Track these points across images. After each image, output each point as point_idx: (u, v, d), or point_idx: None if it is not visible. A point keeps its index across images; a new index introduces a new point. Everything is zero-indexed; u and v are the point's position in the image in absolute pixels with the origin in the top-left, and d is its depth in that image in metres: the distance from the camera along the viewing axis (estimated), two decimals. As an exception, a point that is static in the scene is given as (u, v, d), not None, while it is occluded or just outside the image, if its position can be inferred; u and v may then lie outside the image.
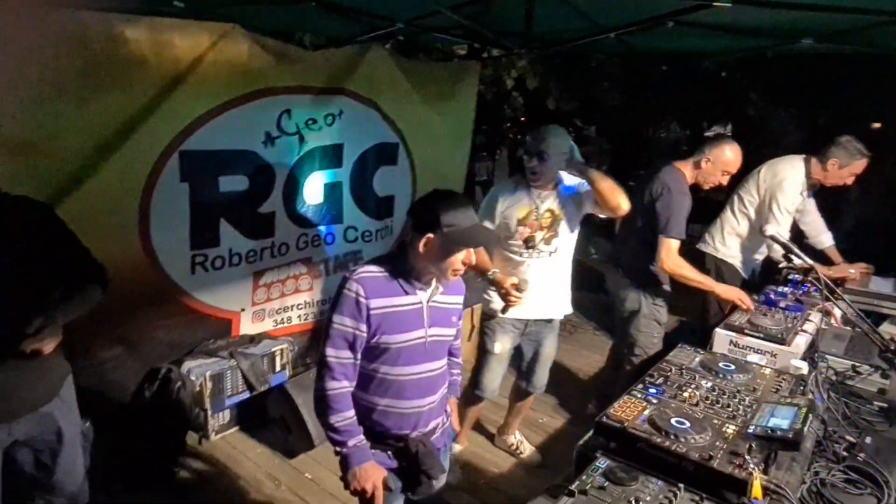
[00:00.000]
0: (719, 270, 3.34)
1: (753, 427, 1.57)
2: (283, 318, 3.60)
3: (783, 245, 2.15)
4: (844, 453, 1.74)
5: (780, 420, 1.58)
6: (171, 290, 2.98)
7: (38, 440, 1.84)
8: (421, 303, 1.73)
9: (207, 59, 2.82)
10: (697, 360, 2.01)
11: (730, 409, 1.66)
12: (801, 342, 2.39)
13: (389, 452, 1.80)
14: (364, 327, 1.66)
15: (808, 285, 2.91)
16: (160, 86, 2.70)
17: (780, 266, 3.23)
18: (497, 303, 2.61)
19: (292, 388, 3.00)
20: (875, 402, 2.10)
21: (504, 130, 10.76)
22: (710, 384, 1.82)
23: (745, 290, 2.76)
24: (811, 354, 2.26)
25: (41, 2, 2.30)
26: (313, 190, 3.51)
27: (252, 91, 3.05)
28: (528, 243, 2.58)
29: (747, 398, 1.73)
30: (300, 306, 3.68)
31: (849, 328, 2.58)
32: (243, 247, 3.25)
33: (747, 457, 1.41)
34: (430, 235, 1.65)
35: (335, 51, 3.46)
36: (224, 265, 3.18)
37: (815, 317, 2.63)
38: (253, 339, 3.36)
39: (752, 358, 2.25)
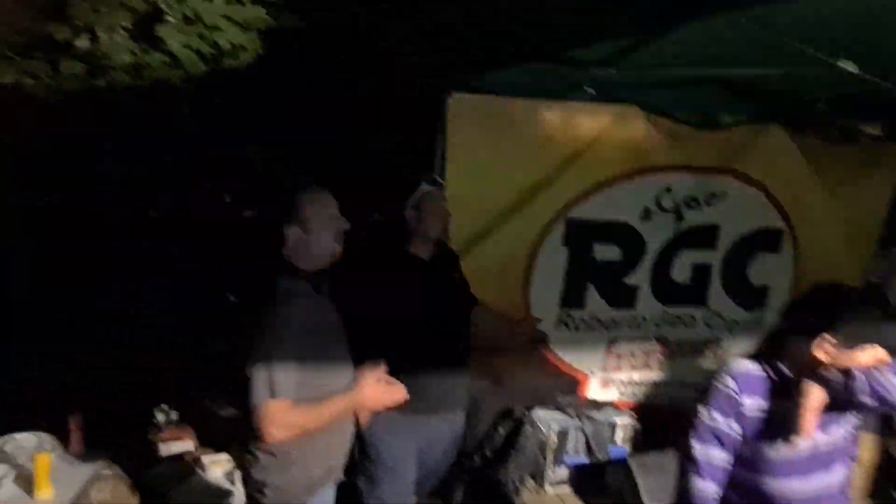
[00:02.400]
0: None
1: None
2: (628, 391, 3.57)
3: None
4: None
5: None
6: (538, 338, 3.26)
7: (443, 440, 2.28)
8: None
9: (604, 138, 3.09)
10: None
11: None
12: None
13: None
14: (737, 427, 1.52)
15: None
16: (561, 160, 3.07)
17: None
18: None
19: (637, 467, 2.92)
20: None
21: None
22: None
23: None
24: None
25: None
26: (681, 269, 3.44)
27: (638, 168, 3.20)
28: None
29: None
30: (647, 383, 3.60)
31: None
32: (605, 313, 3.36)
33: None
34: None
35: (727, 130, 3.38)
36: (585, 327, 3.35)
37: None
38: (598, 405, 3.41)
39: None
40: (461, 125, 2.87)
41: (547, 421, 3.20)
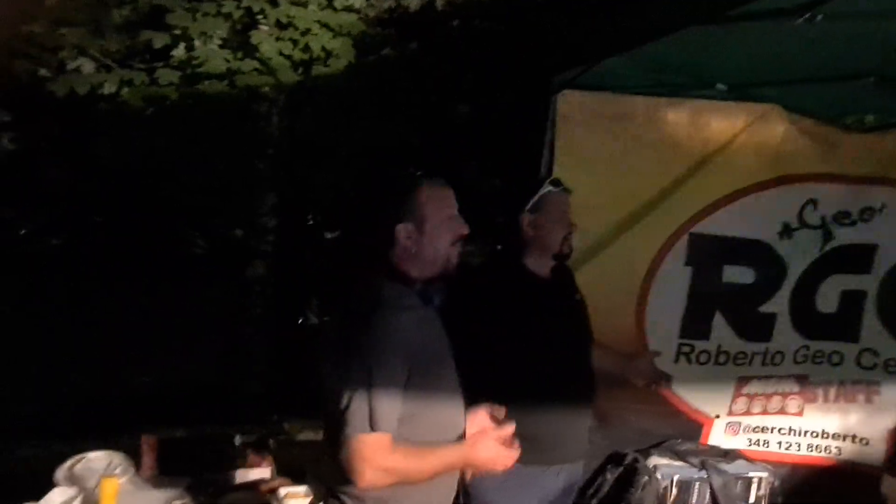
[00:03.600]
0: None
1: None
2: (759, 440, 3.04)
3: None
4: None
5: None
6: (656, 378, 2.82)
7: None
8: None
9: (738, 141, 2.69)
10: None
11: None
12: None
13: None
14: None
15: None
16: (686, 167, 2.68)
17: None
18: None
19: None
20: None
21: None
22: None
23: None
24: None
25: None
26: (828, 296, 2.91)
27: (778, 176, 2.75)
28: None
29: None
30: (783, 431, 3.05)
31: None
32: (734, 346, 2.88)
33: None
34: None
35: (884, 133, 2.87)
36: (709, 361, 2.88)
37: None
38: (726, 454, 2.91)
39: None
40: (571, 126, 2.56)
41: (664, 469, 2.74)
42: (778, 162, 2.74)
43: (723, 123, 2.67)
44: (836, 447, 3.04)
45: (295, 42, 3.43)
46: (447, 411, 1.44)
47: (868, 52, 2.17)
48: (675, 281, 2.78)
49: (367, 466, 1.26)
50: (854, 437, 3.02)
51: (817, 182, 2.80)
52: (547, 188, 2.09)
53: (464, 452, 1.42)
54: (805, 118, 2.72)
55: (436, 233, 1.40)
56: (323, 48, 3.40)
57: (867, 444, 3.00)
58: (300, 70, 3.55)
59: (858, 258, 2.89)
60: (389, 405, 1.28)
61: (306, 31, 3.37)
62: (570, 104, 2.54)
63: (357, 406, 1.27)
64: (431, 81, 3.48)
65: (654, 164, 2.64)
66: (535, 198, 2.05)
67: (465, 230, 1.45)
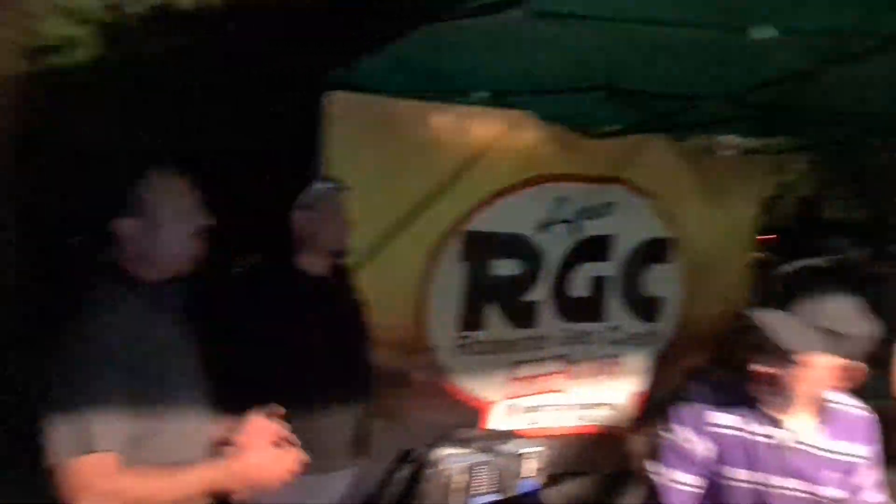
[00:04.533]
0: None
1: None
2: (535, 418, 3.32)
3: None
4: None
5: None
6: (435, 368, 2.93)
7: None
8: (777, 440, 1.31)
9: (497, 145, 2.89)
10: None
11: None
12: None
13: None
14: (704, 445, 1.30)
15: None
16: (453, 169, 2.81)
17: None
18: None
19: (547, 496, 2.64)
20: None
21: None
22: None
23: None
24: None
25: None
26: (580, 283, 3.29)
27: (532, 176, 3.04)
28: None
29: None
30: (552, 407, 3.37)
31: None
32: (506, 334, 3.12)
33: None
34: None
35: (617, 140, 3.34)
36: (484, 351, 3.07)
37: None
38: (503, 436, 3.11)
39: None
40: (340, 127, 2.53)
41: (450, 459, 2.84)
42: (532, 164, 3.02)
43: (485, 128, 2.86)
44: (596, 415, 3.45)
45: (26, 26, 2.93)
46: (189, 425, 1.29)
47: (596, 64, 2.51)
48: (452, 277, 2.91)
49: (87, 492, 1.07)
50: (608, 404, 3.45)
51: (566, 181, 3.14)
52: (320, 184, 2.03)
53: (227, 467, 1.25)
54: (550, 124, 3.04)
55: (167, 227, 1.24)
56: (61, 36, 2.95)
57: (618, 409, 3.46)
58: (32, 58, 3.03)
59: (602, 247, 3.32)
60: (107, 422, 1.10)
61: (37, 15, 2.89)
62: (339, 105, 2.52)
63: (68, 426, 1.08)
64: (198, 79, 3.21)
65: (422, 166, 2.73)
66: (308, 194, 1.97)
67: (208, 221, 1.31)
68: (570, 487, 2.76)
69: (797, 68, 2.18)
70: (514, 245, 3.06)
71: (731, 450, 1.31)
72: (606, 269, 3.36)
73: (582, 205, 3.19)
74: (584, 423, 3.40)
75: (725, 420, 1.33)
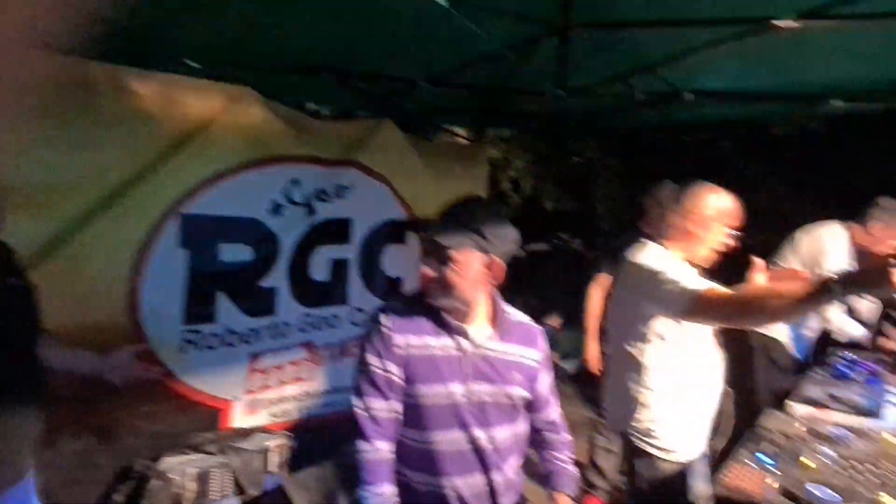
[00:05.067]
0: (766, 349, 3.05)
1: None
2: (280, 411, 3.17)
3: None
4: None
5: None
6: (158, 369, 2.60)
7: None
8: (462, 350, 1.41)
9: (218, 122, 2.68)
10: (798, 425, 1.69)
11: (875, 478, 1.32)
12: (894, 417, 2.07)
13: None
14: (395, 368, 1.34)
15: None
16: (166, 144, 2.53)
17: (834, 338, 2.97)
18: None
19: (293, 487, 2.55)
20: None
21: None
22: (831, 451, 1.49)
23: (797, 373, 2.46)
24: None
25: (44, 48, 2.15)
26: (320, 266, 3.24)
27: (261, 157, 2.89)
28: None
29: (885, 465, 1.40)
30: (300, 397, 3.27)
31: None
32: (241, 325, 2.91)
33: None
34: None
35: (347, 123, 3.37)
36: (218, 345, 2.83)
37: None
38: (246, 434, 2.91)
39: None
40: (42, 89, 2.09)
41: (180, 467, 2.56)
42: (260, 144, 2.87)
43: (199, 102, 2.62)
44: (343, 400, 3.42)
45: None
46: None
47: (320, 44, 2.48)
48: (170, 265, 2.60)
49: None
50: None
51: (298, 163, 3.05)
52: None
53: None
54: (277, 104, 2.93)
55: None
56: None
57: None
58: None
59: (339, 230, 3.32)
60: None
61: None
62: (31, 68, 2.06)
63: None
64: None
65: (125, 140, 2.39)
66: None
67: None
68: (315, 473, 2.69)
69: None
70: (243, 229, 2.87)
71: (421, 367, 1.36)
72: (345, 251, 3.37)
73: (316, 187, 3.14)
74: (333, 410, 3.36)
75: (411, 340, 1.37)
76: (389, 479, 1.33)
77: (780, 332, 3.09)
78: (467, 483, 1.38)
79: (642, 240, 2.00)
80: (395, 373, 1.36)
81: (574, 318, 5.51)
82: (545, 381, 1.55)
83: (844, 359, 2.64)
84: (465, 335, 1.41)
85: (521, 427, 1.50)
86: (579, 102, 3.17)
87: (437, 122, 4.10)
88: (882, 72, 2.68)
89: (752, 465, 1.40)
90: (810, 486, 1.23)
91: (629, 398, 1.88)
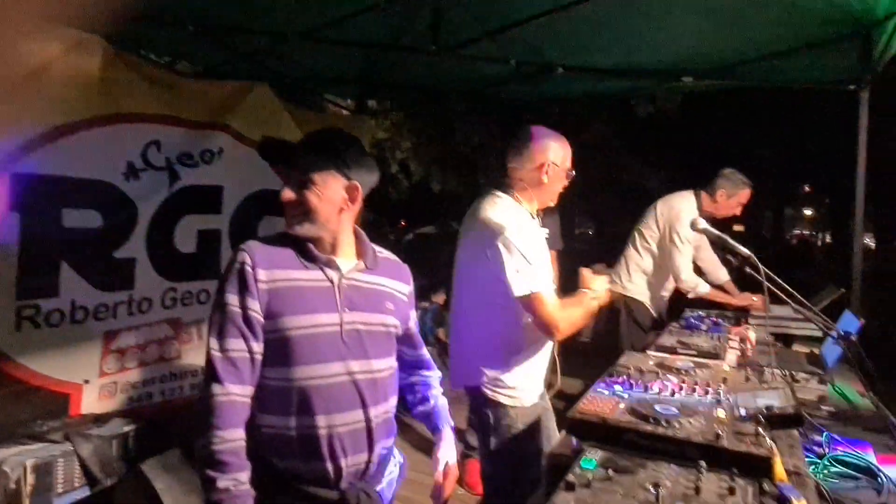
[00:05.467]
0: (629, 309, 3.26)
1: (745, 409, 1.33)
2: (141, 394, 2.90)
3: (716, 236, 2.05)
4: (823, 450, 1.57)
5: (770, 400, 1.37)
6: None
7: None
8: (331, 280, 1.36)
9: (56, 69, 2.38)
10: (651, 362, 1.80)
11: (710, 397, 1.43)
12: (732, 357, 2.29)
13: None
14: (256, 305, 1.26)
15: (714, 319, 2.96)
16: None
17: (690, 296, 3.22)
18: None
19: (151, 469, 2.34)
20: (822, 408, 2.00)
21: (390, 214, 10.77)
22: (676, 379, 1.59)
23: (656, 330, 2.69)
24: (746, 366, 2.15)
25: None
26: (186, 237, 3.00)
27: (112, 114, 2.61)
28: None
29: (722, 387, 1.52)
30: (165, 379, 3.02)
31: (767, 347, 2.54)
32: (91, 300, 2.62)
33: (762, 431, 1.15)
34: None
35: (216, 83, 3.14)
36: (63, 321, 2.53)
37: (735, 338, 2.58)
38: (100, 420, 2.65)
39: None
40: None
41: (15, 459, 2.27)
42: (109, 98, 2.58)
43: (31, 45, 2.31)
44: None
45: None
46: None
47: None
48: (-1, 231, 2.29)
49: None
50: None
51: (157, 123, 2.79)
52: None
53: None
54: (134, 57, 2.67)
55: None
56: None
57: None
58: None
59: (208, 199, 3.09)
60: None
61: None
62: None
63: None
64: None
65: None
66: None
67: None
68: (183, 456, 2.51)
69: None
70: (92, 193, 2.58)
71: (289, 300, 1.29)
72: (216, 222, 3.15)
73: (179, 150, 2.90)
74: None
75: (276, 274, 1.29)
76: (241, 425, 1.23)
77: (641, 294, 3.32)
78: (344, 421, 1.31)
79: (494, 191, 2.03)
80: (256, 310, 1.27)
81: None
82: (415, 319, 1.57)
83: (694, 316, 2.88)
84: (333, 266, 1.37)
85: (395, 362, 1.48)
86: (455, 68, 3.18)
87: (317, 91, 3.95)
88: (727, 52, 2.92)
89: (606, 393, 1.46)
90: (656, 406, 1.30)
91: (478, 352, 1.94)
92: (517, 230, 1.83)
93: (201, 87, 3.06)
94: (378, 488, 1.37)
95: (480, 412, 1.95)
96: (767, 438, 1.13)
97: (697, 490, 0.97)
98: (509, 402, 1.89)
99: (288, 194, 1.34)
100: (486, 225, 1.88)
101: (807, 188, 25.75)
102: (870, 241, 17.41)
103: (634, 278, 3.30)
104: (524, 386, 1.91)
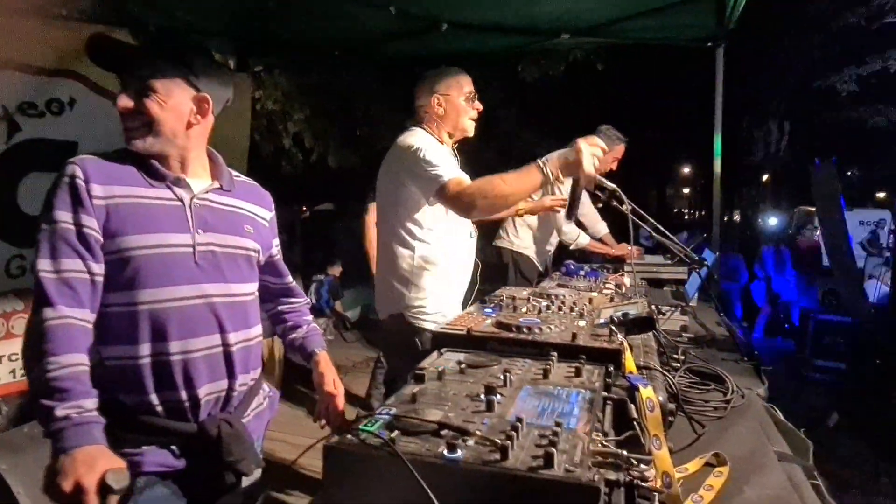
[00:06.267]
0: (516, 263, 3.34)
1: (604, 320, 1.38)
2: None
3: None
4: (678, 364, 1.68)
5: (627, 311, 1.43)
6: None
7: None
8: (181, 199, 1.24)
9: None
10: (526, 292, 1.84)
11: (574, 313, 1.47)
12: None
13: (174, 448, 1.20)
14: (92, 222, 1.12)
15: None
16: None
17: (572, 248, 3.35)
18: None
19: (-4, 450, 2.09)
20: (684, 336, 2.15)
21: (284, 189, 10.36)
22: (546, 303, 1.62)
23: (541, 283, 2.77)
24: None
25: None
26: (33, 197, 2.69)
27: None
28: None
29: (587, 307, 1.57)
30: (14, 357, 2.70)
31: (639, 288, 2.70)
32: None
33: (614, 329, 1.19)
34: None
35: (66, 24, 2.81)
36: None
37: (611, 282, 2.72)
38: (-71, 401, 2.32)
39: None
40: None
41: None
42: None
43: None
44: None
45: None
46: None
47: None
48: None
49: None
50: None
51: (-7, 68, 2.48)
52: None
53: None
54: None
55: None
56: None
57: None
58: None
59: (59, 155, 2.78)
60: None
61: None
62: None
63: None
64: None
65: None
66: None
67: None
68: (27, 430, 2.26)
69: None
70: None
71: (131, 218, 1.16)
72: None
73: (20, 99, 2.58)
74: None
75: (115, 190, 1.16)
76: (82, 351, 1.09)
77: (527, 248, 3.41)
78: (199, 346, 1.20)
79: (409, 126, 2.12)
80: (94, 228, 1.13)
81: (355, 271, 5.57)
82: (278, 246, 1.49)
83: (574, 264, 3.01)
84: (183, 185, 1.25)
85: (256, 288, 1.39)
86: (337, 20, 3.06)
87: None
88: (600, 11, 3.04)
89: (476, 313, 1.46)
90: (521, 319, 1.31)
91: (402, 281, 1.98)
92: (428, 147, 1.91)
93: (48, 31, 2.73)
94: (244, 420, 1.29)
95: (409, 340, 1.97)
96: (620, 336, 1.17)
97: (546, 374, 0.98)
98: (434, 327, 1.86)
99: (124, 101, 1.19)
100: (399, 146, 1.98)
101: (686, 170, 27.91)
102: (737, 218, 19.15)
103: (521, 233, 3.38)
104: (444, 311, 1.96)
